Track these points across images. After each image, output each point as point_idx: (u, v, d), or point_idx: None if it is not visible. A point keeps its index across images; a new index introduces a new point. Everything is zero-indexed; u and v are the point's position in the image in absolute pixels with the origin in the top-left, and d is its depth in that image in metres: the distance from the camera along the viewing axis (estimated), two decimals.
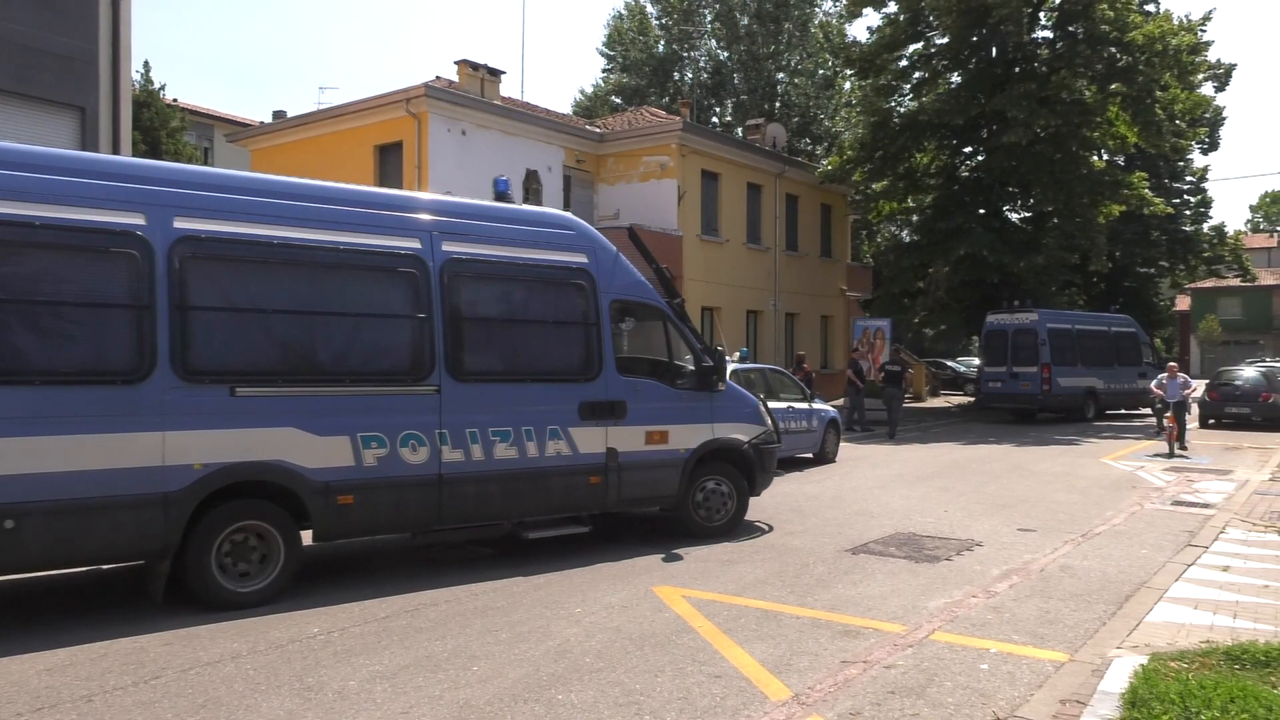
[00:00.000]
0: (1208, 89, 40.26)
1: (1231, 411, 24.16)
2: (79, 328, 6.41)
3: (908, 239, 34.83)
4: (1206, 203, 43.91)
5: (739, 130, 41.53)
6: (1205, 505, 11.73)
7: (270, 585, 7.04)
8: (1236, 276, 47.61)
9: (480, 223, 8.35)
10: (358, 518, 7.44)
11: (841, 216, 35.04)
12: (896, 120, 29.06)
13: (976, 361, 37.46)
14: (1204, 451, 18.40)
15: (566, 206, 26.46)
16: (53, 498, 6.19)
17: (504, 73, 25.77)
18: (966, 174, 30.41)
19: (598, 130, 27.54)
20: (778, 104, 45.95)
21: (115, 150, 12.44)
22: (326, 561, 8.61)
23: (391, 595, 7.25)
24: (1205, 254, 42.23)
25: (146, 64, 26.87)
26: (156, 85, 26.46)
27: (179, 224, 6.80)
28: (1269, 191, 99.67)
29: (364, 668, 5.68)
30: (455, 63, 25.29)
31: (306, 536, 7.42)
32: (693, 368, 9.50)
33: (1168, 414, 18.18)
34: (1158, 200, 30.36)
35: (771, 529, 10.11)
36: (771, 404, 13.68)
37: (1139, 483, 13.98)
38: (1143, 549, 9.11)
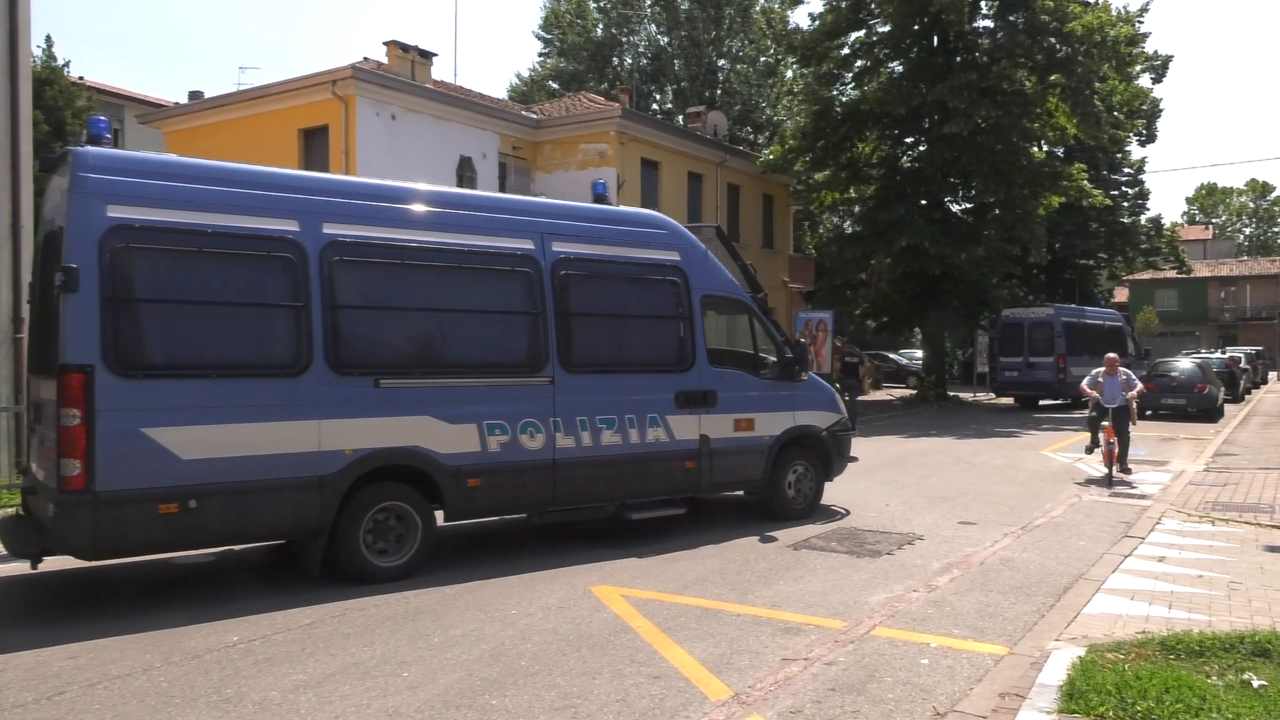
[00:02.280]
0: (1145, 80, 41.51)
1: (1168, 403, 24.98)
2: (248, 326, 7.31)
3: (850, 230, 35.30)
4: (1144, 195, 45.34)
5: (679, 118, 41.63)
6: (1142, 496, 12.10)
7: (409, 561, 7.87)
8: (1173, 268, 49.23)
9: (583, 223, 9.27)
10: (484, 500, 8.33)
11: (783, 207, 35.38)
12: (838, 109, 29.41)
13: (919, 354, 38.21)
14: (1142, 443, 19.02)
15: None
16: (228, 480, 7.04)
17: (436, 55, 25.47)
18: (908, 164, 30.92)
19: (534, 116, 27.38)
20: (719, 91, 46.18)
21: (14, 130, 11.98)
22: (248, 568, 8.42)
23: (317, 602, 7.12)
24: (1143, 246, 43.58)
25: (49, 39, 25.89)
26: (60, 62, 25.51)
27: (327, 229, 7.67)
28: (1204, 184, 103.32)
29: (287, 677, 5.56)
30: (384, 44, 24.93)
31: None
32: (774, 359, 10.43)
33: (1105, 424, 13.45)
34: (1096, 192, 31.27)
35: (849, 513, 10.90)
36: None
37: (1078, 474, 14.36)
38: (1081, 541, 9.37)
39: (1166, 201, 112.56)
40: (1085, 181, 30.11)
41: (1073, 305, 32.32)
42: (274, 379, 7.31)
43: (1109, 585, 7.42)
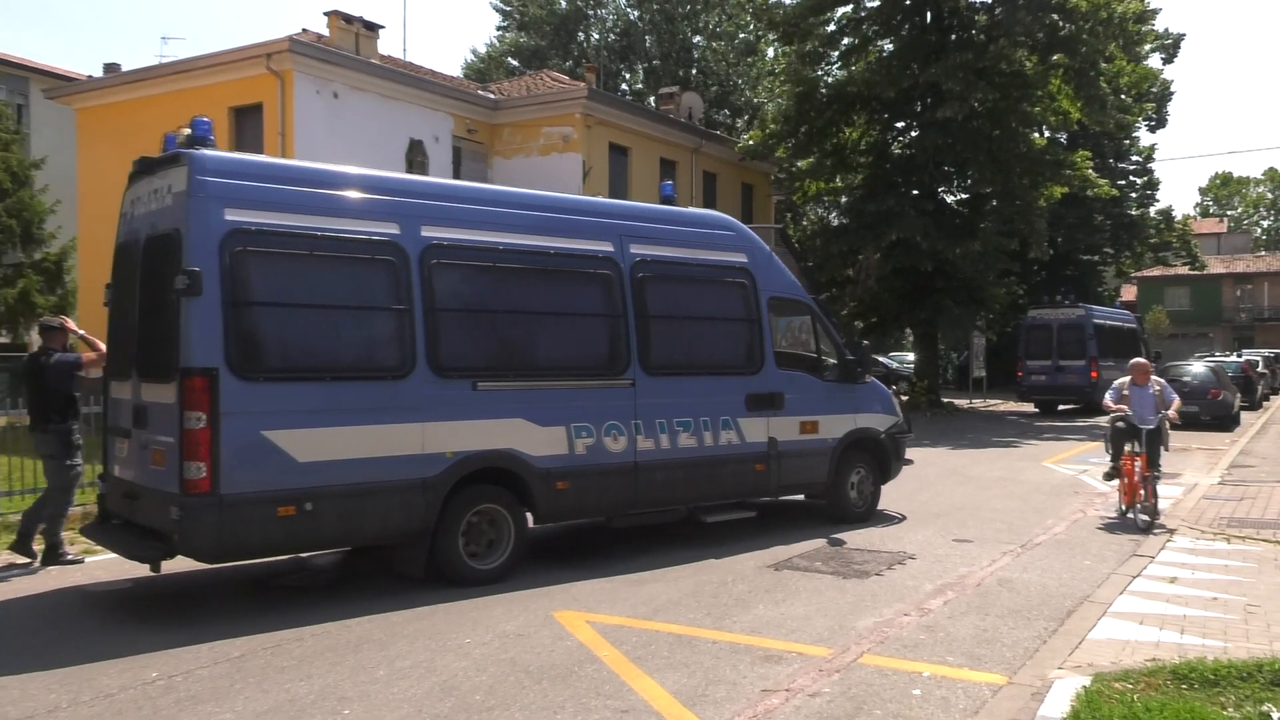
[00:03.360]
0: (1155, 61, 42.17)
1: (1180, 410, 25.32)
2: (356, 329, 8.06)
3: (836, 222, 35.54)
4: (1153, 185, 45.97)
5: (651, 100, 41.73)
6: None
7: (504, 564, 8.59)
8: (1185, 264, 50.01)
9: (658, 225, 10.19)
10: (571, 502, 9.13)
11: (764, 197, 35.55)
12: (823, 91, 29.60)
13: (910, 357, 38.51)
14: None
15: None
16: (341, 482, 7.70)
17: (382, 27, 25.32)
18: (899, 151, 31.18)
19: (492, 96, 27.30)
20: (694, 71, 46.34)
21: None
22: (171, 594, 8.31)
23: (248, 633, 7.04)
24: (1152, 240, 44.16)
25: None
26: None
27: (425, 232, 8.39)
28: (1219, 173, 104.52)
29: (213, 717, 5.48)
30: (325, 14, 24.69)
31: None
32: (835, 360, 11.45)
33: (1133, 447, 11.44)
34: (1102, 182, 31.66)
35: (905, 518, 11.70)
36: None
37: (1082, 488, 14.54)
38: (1085, 560, 9.47)
39: (1178, 192, 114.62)
40: (1090, 170, 30.47)
41: (1099, 306, 33.34)
42: (380, 381, 8.05)
43: (1116, 608, 7.50)
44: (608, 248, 9.60)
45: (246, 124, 22.24)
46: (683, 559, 9.36)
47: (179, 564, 9.04)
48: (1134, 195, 45.17)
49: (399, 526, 8.11)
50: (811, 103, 29.28)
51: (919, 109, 29.57)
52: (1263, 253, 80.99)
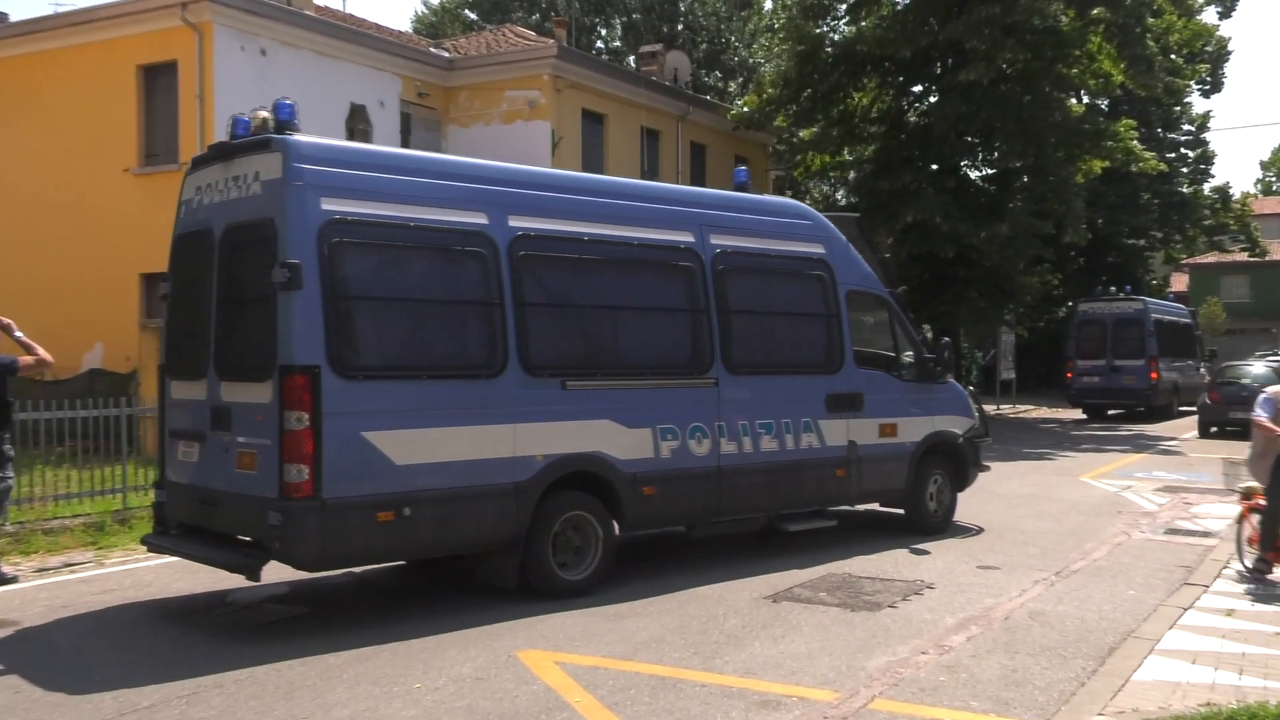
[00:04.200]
0: (1209, 15, 42.57)
1: (1236, 417, 25.50)
2: (451, 324, 8.72)
3: (844, 201, 35.65)
4: (1207, 158, 46.39)
5: (631, 59, 41.78)
6: (1205, 534, 12.39)
7: (592, 574, 9.23)
8: (1243, 250, 50.32)
9: (737, 214, 10.89)
10: (657, 509, 9.79)
11: (761, 171, 35.61)
12: (829, 50, 29.68)
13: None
14: (1205, 467, 19.41)
15: None
16: (437, 487, 8.30)
17: None
18: (915, 120, 31.31)
19: (446, 55, 27.23)
20: (679, 26, 46.42)
21: None
22: (69, 635, 8.25)
23: (161, 679, 6.98)
24: (1206, 222, 44.47)
25: None
26: None
27: (513, 222, 9.00)
28: None
29: None
30: None
31: None
32: (912, 358, 12.19)
33: (1251, 484, 10.19)
34: (1148, 155, 31.90)
35: (982, 530, 12.43)
36: None
37: (1125, 506, 14.66)
38: (1130, 589, 9.55)
39: (1236, 167, 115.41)
40: (1134, 142, 30.67)
41: (1156, 299, 33.91)
42: (474, 380, 8.68)
43: (1165, 645, 7.54)
44: (689, 238, 10.30)
45: (157, 85, 22.06)
46: (666, 589, 9.36)
47: (74, 600, 9.02)
48: (1185, 170, 45.45)
49: (492, 533, 8.73)
50: (815, 63, 29.36)
51: (938, 71, 29.71)
52: None
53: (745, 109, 31.52)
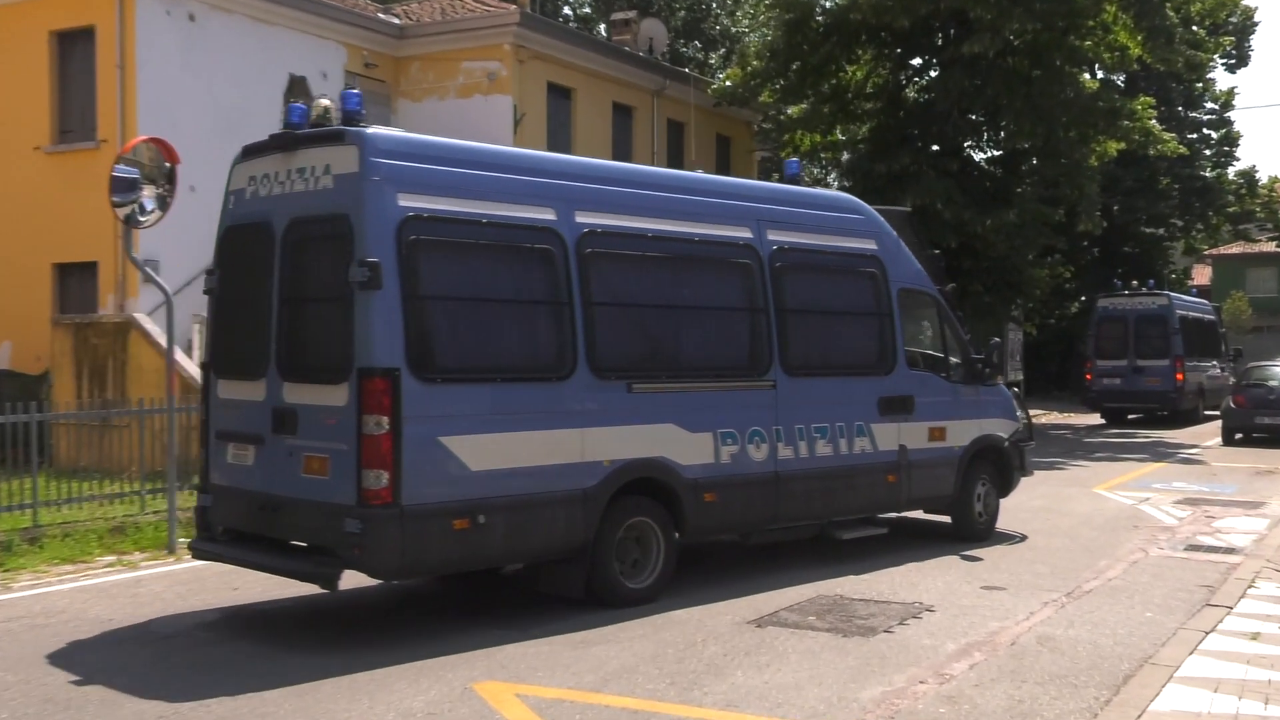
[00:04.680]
0: None
1: (1264, 423, 25.79)
2: (524, 325, 9.28)
3: (836, 185, 35.74)
4: (1232, 139, 46.70)
5: (601, 28, 41.74)
6: (1229, 550, 12.49)
7: (656, 582, 9.77)
8: (1271, 240, 50.90)
9: (790, 208, 11.48)
10: (717, 516, 10.39)
11: (744, 152, 35.69)
12: (820, 19, 29.69)
13: None
14: (1229, 476, 19.56)
15: None
16: (510, 493, 8.80)
17: None
18: (915, 96, 31.41)
19: (397, 21, 27.13)
20: None
21: None
22: None
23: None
24: (1230, 209, 44.89)
25: None
26: None
27: (579, 218, 9.52)
28: None
29: None
30: None
31: None
32: (959, 359, 12.93)
33: None
34: (1168, 136, 32.11)
35: (1025, 538, 13.12)
36: None
37: (1142, 520, 14.77)
38: (1147, 611, 9.61)
39: (1263, 148, 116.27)
40: (1153, 121, 30.85)
41: (1179, 294, 34.30)
42: (545, 383, 9.23)
43: (1185, 672, 7.59)
44: (747, 234, 10.86)
45: (73, 54, 21.85)
46: (639, 612, 9.35)
47: None
48: (1208, 153, 45.72)
49: (560, 542, 9.22)
50: (805, 34, 29.37)
51: (940, 42, 29.79)
52: None
53: (727, 83, 31.53)
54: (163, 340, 16.08)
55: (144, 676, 7.72)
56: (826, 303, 11.67)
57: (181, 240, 17.88)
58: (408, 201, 8.49)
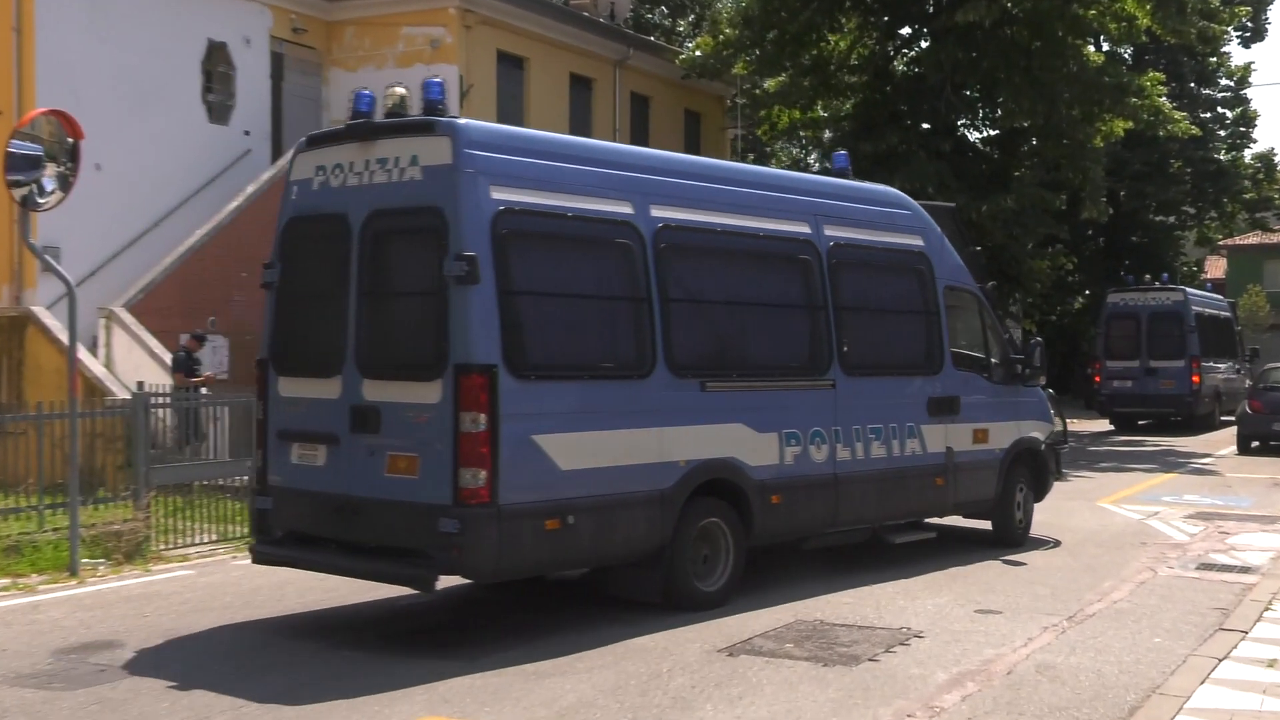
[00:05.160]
0: None
1: None
2: (608, 322, 10.06)
3: (817, 166, 35.85)
4: (1249, 119, 47.19)
5: None
6: (1244, 569, 12.60)
7: (726, 586, 10.50)
8: None
9: (845, 203, 12.31)
10: (783, 519, 11.12)
11: (716, 129, 35.71)
12: None
13: None
14: (1244, 488, 19.74)
15: (279, 102, 25.79)
16: (596, 494, 9.50)
17: None
18: (903, 69, 31.55)
19: None
20: None
21: None
22: None
23: None
24: (1247, 195, 45.30)
25: None
26: None
27: (655, 212, 10.27)
28: None
29: None
30: None
31: None
32: (998, 359, 13.81)
33: None
34: (1180, 115, 32.34)
35: (1060, 543, 14.04)
36: None
37: (1151, 536, 14.89)
38: (1155, 636, 9.67)
39: None
40: (1163, 99, 31.04)
41: (1194, 289, 34.50)
42: (627, 381, 9.99)
43: (1196, 703, 7.63)
44: (806, 230, 11.66)
45: None
46: (598, 640, 9.32)
47: None
48: (1222, 133, 46.15)
49: (640, 544, 9.90)
50: (783, 0, 29.44)
51: (931, 10, 29.92)
52: None
53: (697, 53, 31.56)
54: (64, 337, 15.95)
55: (39, 715, 7.62)
56: (880, 301, 12.56)
57: (85, 225, 17.78)
58: (499, 194, 9.12)
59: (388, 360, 9.47)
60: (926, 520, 13.12)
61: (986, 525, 13.95)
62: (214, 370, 20.18)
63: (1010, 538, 13.71)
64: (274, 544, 9.98)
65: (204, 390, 17.72)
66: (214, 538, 13.94)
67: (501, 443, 8.80)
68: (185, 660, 9.02)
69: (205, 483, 14.93)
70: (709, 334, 10.85)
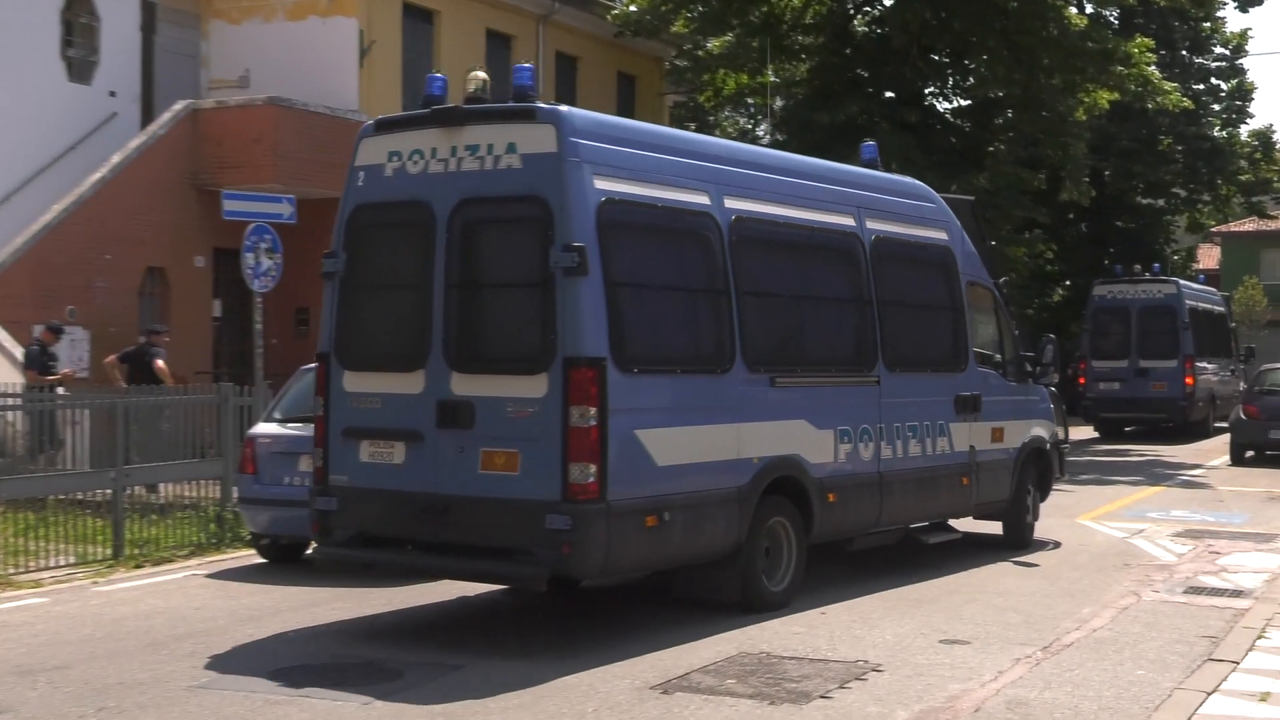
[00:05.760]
0: None
1: (1278, 437, 26.37)
2: (697, 316, 11.15)
3: (767, 139, 35.94)
4: (1245, 92, 47.75)
5: None
6: (1236, 593, 12.79)
7: (789, 586, 11.56)
8: None
9: (882, 196, 13.56)
10: (837, 518, 12.18)
11: (653, 95, 35.69)
12: None
13: None
14: (1237, 503, 20.05)
15: (150, 59, 25.48)
16: (687, 490, 10.42)
17: None
18: (865, 30, 31.66)
19: None
20: None
21: None
22: None
23: None
24: (1243, 176, 45.73)
25: None
26: None
27: (729, 203, 11.25)
28: None
29: None
30: None
31: None
32: (1011, 357, 15.29)
33: None
34: (1170, 86, 32.65)
35: (1059, 544, 15.46)
36: None
37: (1135, 556, 15.08)
38: (1138, 668, 9.77)
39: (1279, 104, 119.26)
40: (1152, 68, 31.30)
41: (1187, 282, 35.10)
42: (711, 376, 11.00)
43: None
44: (851, 223, 12.86)
45: None
46: (519, 678, 9.23)
47: None
48: (1217, 107, 46.58)
49: (720, 542, 10.82)
50: None
51: None
52: None
53: (632, 8, 31.52)
54: None
55: None
56: (914, 296, 13.85)
57: None
58: (601, 184, 9.99)
59: (483, 354, 10.25)
60: (950, 523, 14.53)
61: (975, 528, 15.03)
62: (72, 367, 19.90)
63: (1020, 539, 15.13)
64: (341, 545, 10.73)
65: (61, 390, 17.49)
66: (71, 560, 13.75)
67: (610, 437, 9.62)
68: (39, 703, 8.94)
69: (62, 497, 14.75)
70: (776, 328, 11.94)
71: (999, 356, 15.25)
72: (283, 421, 13.78)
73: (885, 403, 12.82)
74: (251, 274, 16.99)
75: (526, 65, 10.47)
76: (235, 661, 9.79)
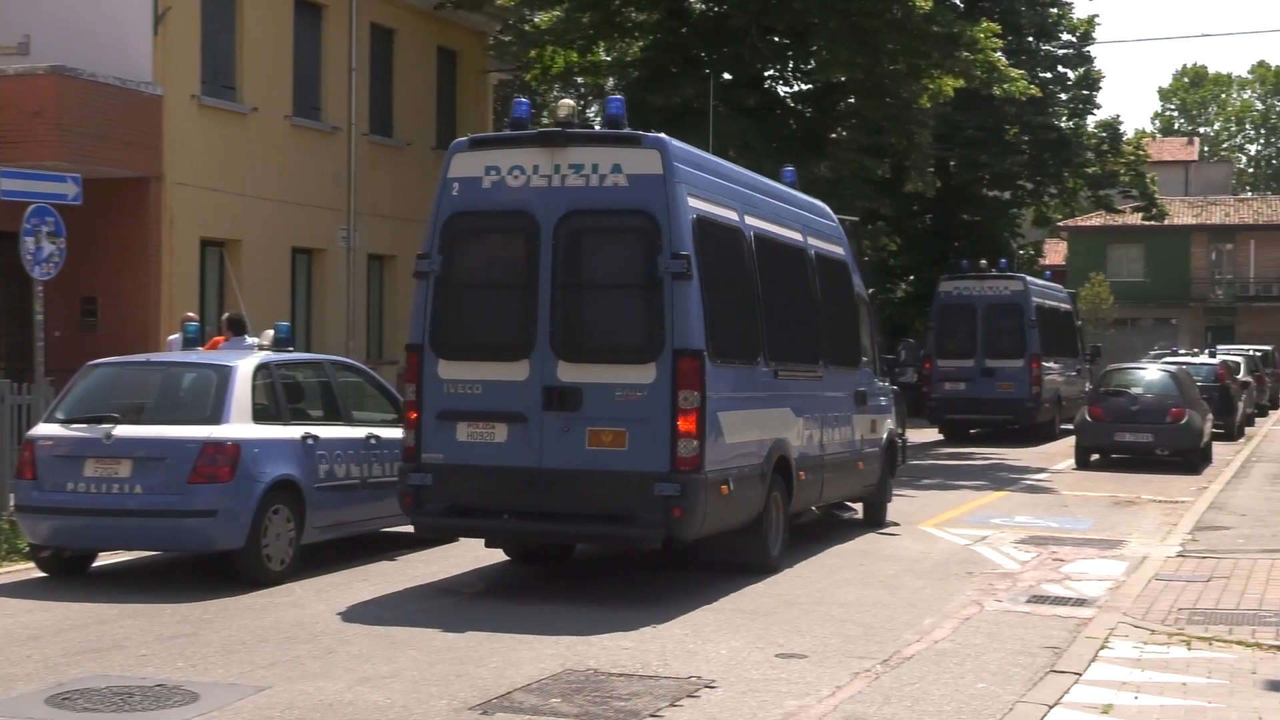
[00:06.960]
0: None
1: (1125, 440, 27.04)
2: (745, 316, 14.01)
3: (597, 121, 35.99)
4: (1092, 81, 48.96)
5: None
6: (1079, 601, 13.18)
7: (781, 553, 14.55)
8: (1137, 210, 53.36)
9: (814, 216, 17.38)
10: (804, 494, 15.41)
11: (475, 72, 35.49)
12: None
13: None
14: (1082, 509, 20.59)
15: None
16: (740, 465, 13.28)
17: None
18: (702, 8, 31.81)
19: None
20: None
21: None
22: None
23: None
24: (1090, 168, 46.74)
25: None
26: None
27: (748, 220, 14.40)
28: (1188, 66, 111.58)
29: None
30: None
31: None
32: (874, 357, 18.75)
33: None
34: (1017, 73, 33.32)
35: (899, 524, 18.47)
36: (336, 431, 14.62)
37: (977, 564, 15.46)
38: (980, 681, 9.98)
39: (1127, 94, 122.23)
40: (998, 54, 31.90)
41: (1033, 278, 35.46)
42: (750, 367, 13.96)
43: None
44: (803, 239, 16.31)
45: None
46: (319, 700, 9.14)
47: None
48: (1064, 97, 47.56)
49: (751, 511, 13.63)
50: None
51: None
52: (1248, 194, 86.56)
53: None
54: None
55: None
56: (835, 302, 17.05)
57: None
58: (694, 202, 12.67)
59: (590, 345, 12.70)
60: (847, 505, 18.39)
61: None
62: None
63: (880, 518, 18.33)
64: (435, 516, 12.84)
65: None
66: None
67: (707, 417, 12.17)
68: None
69: None
70: (778, 327, 14.70)
71: (875, 356, 18.66)
72: (66, 422, 13.37)
73: (825, 395, 16.10)
74: (32, 260, 16.63)
75: (617, 96, 13.37)
76: (10, 685, 9.52)
